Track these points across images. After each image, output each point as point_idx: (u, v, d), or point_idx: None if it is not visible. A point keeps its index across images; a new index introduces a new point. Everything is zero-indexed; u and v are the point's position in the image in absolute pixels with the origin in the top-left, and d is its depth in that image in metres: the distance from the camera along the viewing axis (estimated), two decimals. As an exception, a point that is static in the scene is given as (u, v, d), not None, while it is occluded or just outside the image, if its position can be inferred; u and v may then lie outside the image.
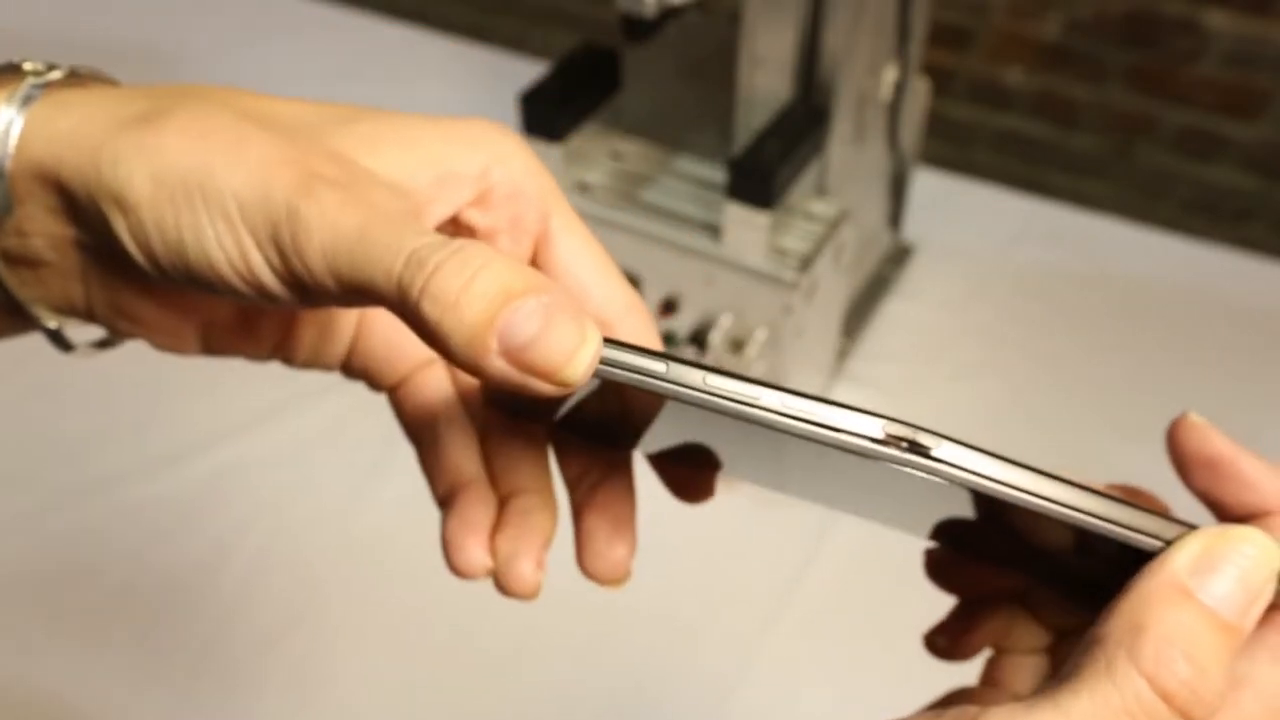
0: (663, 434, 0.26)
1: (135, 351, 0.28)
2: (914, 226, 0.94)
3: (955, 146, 1.42)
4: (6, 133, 0.23)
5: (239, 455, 0.77)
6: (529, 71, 0.86)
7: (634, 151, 0.78)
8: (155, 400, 0.79)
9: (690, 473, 0.29)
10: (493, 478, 0.28)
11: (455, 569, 0.27)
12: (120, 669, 0.66)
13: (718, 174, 0.75)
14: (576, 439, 0.29)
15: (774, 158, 0.66)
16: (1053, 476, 0.21)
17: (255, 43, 1.13)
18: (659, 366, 0.21)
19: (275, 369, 0.29)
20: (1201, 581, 0.20)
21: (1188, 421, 0.25)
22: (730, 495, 0.31)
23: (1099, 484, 0.24)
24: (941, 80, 1.16)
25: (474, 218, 0.26)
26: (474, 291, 0.20)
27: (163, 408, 0.79)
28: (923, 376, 0.84)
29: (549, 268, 0.27)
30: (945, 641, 0.31)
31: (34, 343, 0.27)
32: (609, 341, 0.21)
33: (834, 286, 0.76)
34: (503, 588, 0.27)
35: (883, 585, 0.61)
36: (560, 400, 0.25)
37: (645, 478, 0.29)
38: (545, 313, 0.20)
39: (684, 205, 0.74)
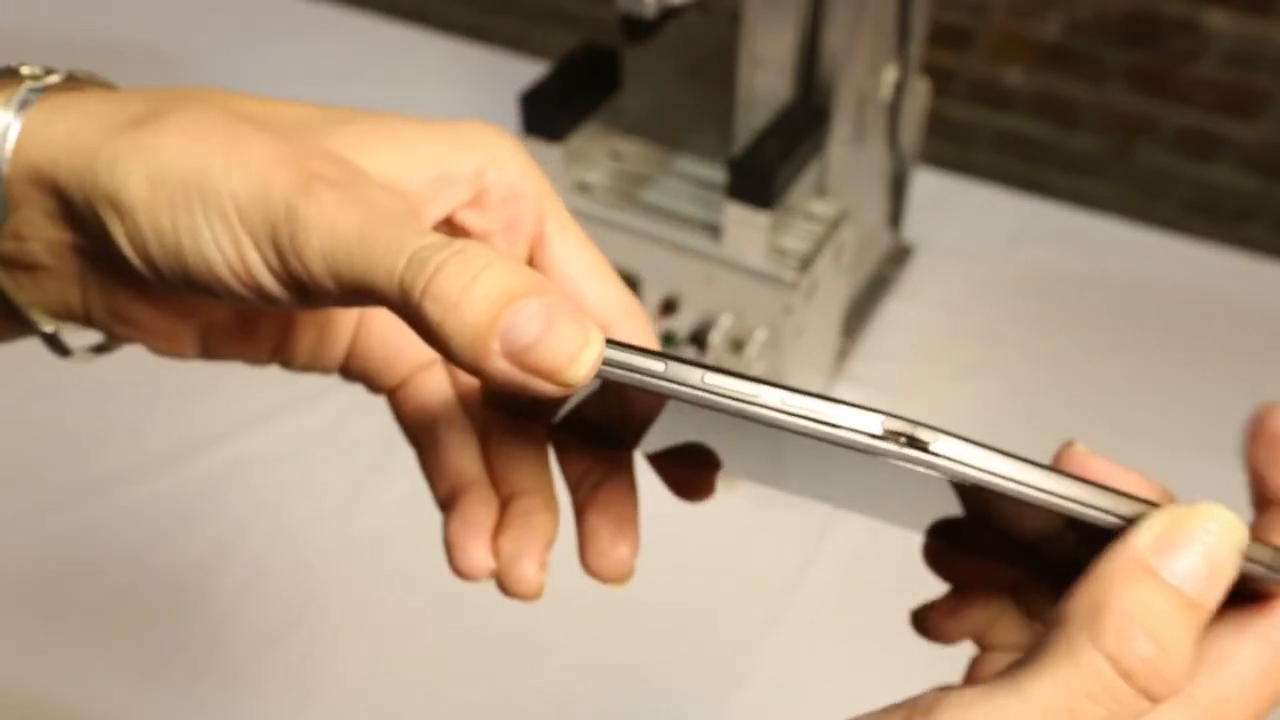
0: (663, 434, 0.26)
1: (135, 352, 0.28)
2: (914, 226, 0.94)
3: (955, 146, 1.42)
4: (3, 137, 0.23)
5: (239, 455, 0.77)
6: (529, 71, 0.86)
7: (634, 151, 0.78)
8: (155, 400, 0.79)
9: (690, 472, 0.29)
10: (494, 479, 0.28)
11: (458, 571, 0.27)
12: (120, 669, 0.66)
13: (718, 174, 0.75)
14: (577, 440, 0.29)
15: (774, 158, 0.66)
16: (1051, 469, 0.21)
17: (255, 43, 1.13)
18: (658, 366, 0.21)
19: (275, 369, 0.29)
20: (1164, 559, 0.20)
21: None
22: (730, 495, 0.31)
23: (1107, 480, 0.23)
24: (941, 80, 1.16)
25: (469, 220, 0.26)
26: (476, 292, 0.20)
27: (162, 408, 0.79)
28: (923, 376, 0.84)
29: (545, 271, 0.27)
30: (931, 619, 0.31)
31: (34, 344, 0.27)
32: (609, 342, 0.21)
33: (834, 286, 0.76)
34: (506, 589, 0.27)
35: (883, 585, 0.61)
36: (560, 401, 0.25)
37: (646, 476, 0.29)
38: (547, 314, 0.20)
39: (684, 205, 0.74)
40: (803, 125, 0.70)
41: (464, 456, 0.28)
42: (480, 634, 0.68)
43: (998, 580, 0.30)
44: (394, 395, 0.30)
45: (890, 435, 0.21)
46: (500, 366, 0.20)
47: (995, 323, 0.89)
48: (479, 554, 0.27)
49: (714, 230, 0.71)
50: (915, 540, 0.30)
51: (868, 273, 0.90)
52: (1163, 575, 0.20)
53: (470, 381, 0.29)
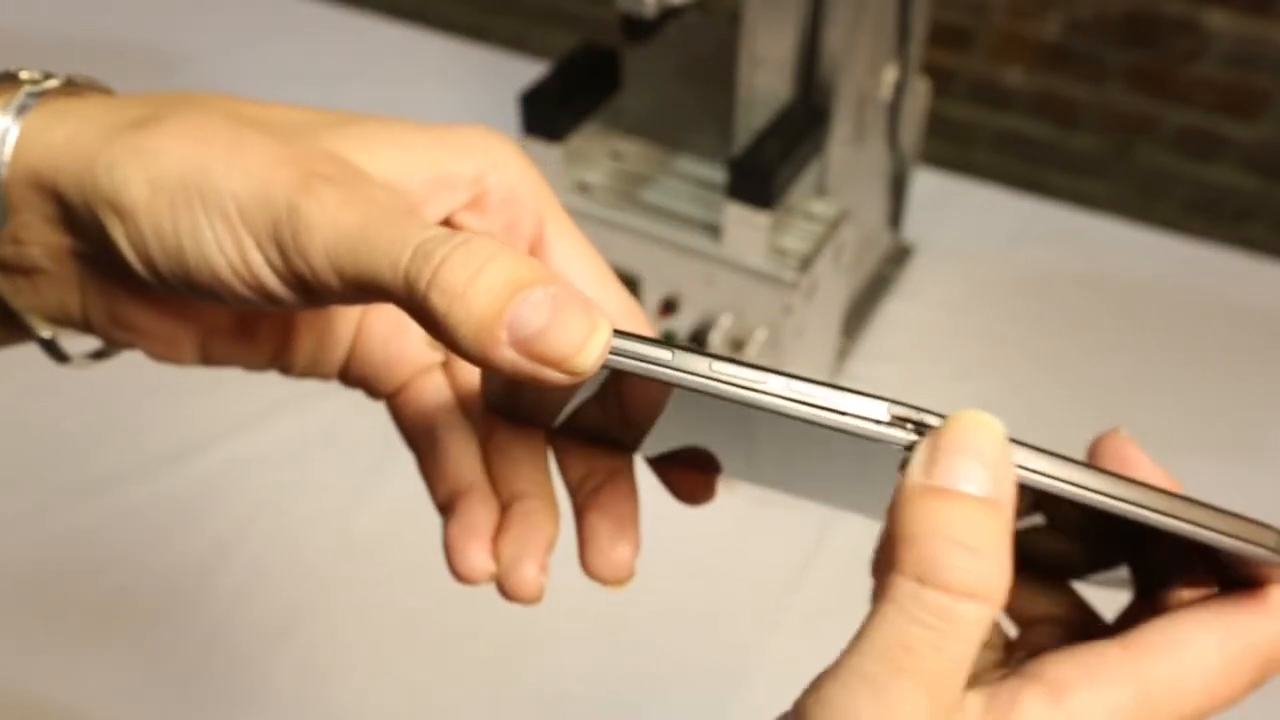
0: (663, 436, 0.26)
1: (134, 353, 0.28)
2: (914, 226, 0.94)
3: (955, 146, 1.42)
4: (2, 141, 0.23)
5: (238, 455, 0.77)
6: (529, 71, 0.86)
7: (634, 151, 0.78)
8: (154, 400, 0.79)
9: (691, 475, 0.29)
10: (493, 482, 0.28)
11: (458, 575, 0.27)
12: (120, 669, 0.66)
13: (718, 174, 0.75)
14: (577, 443, 0.29)
15: (774, 158, 0.66)
16: (1062, 457, 0.21)
17: (255, 43, 1.13)
18: (665, 354, 0.21)
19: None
20: (936, 473, 0.20)
21: None
22: (730, 496, 0.31)
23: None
24: (941, 80, 1.16)
25: (468, 222, 0.26)
26: (482, 283, 0.20)
27: (162, 408, 0.79)
28: (923, 376, 0.84)
29: None
30: None
31: (33, 345, 0.27)
32: (616, 332, 0.21)
33: (834, 286, 0.76)
34: (506, 592, 0.27)
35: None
36: (560, 404, 0.25)
37: (645, 478, 0.29)
38: (554, 303, 0.20)
39: (684, 205, 0.74)
40: (803, 125, 0.70)
41: (464, 460, 0.28)
42: (480, 635, 0.68)
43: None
44: (393, 400, 0.30)
45: (897, 421, 0.20)
46: (508, 356, 0.20)
47: (995, 323, 0.89)
48: (479, 557, 0.27)
49: (714, 230, 0.71)
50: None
51: (868, 273, 0.90)
52: (940, 485, 0.20)
53: (470, 385, 0.29)
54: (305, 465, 0.76)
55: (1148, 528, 0.21)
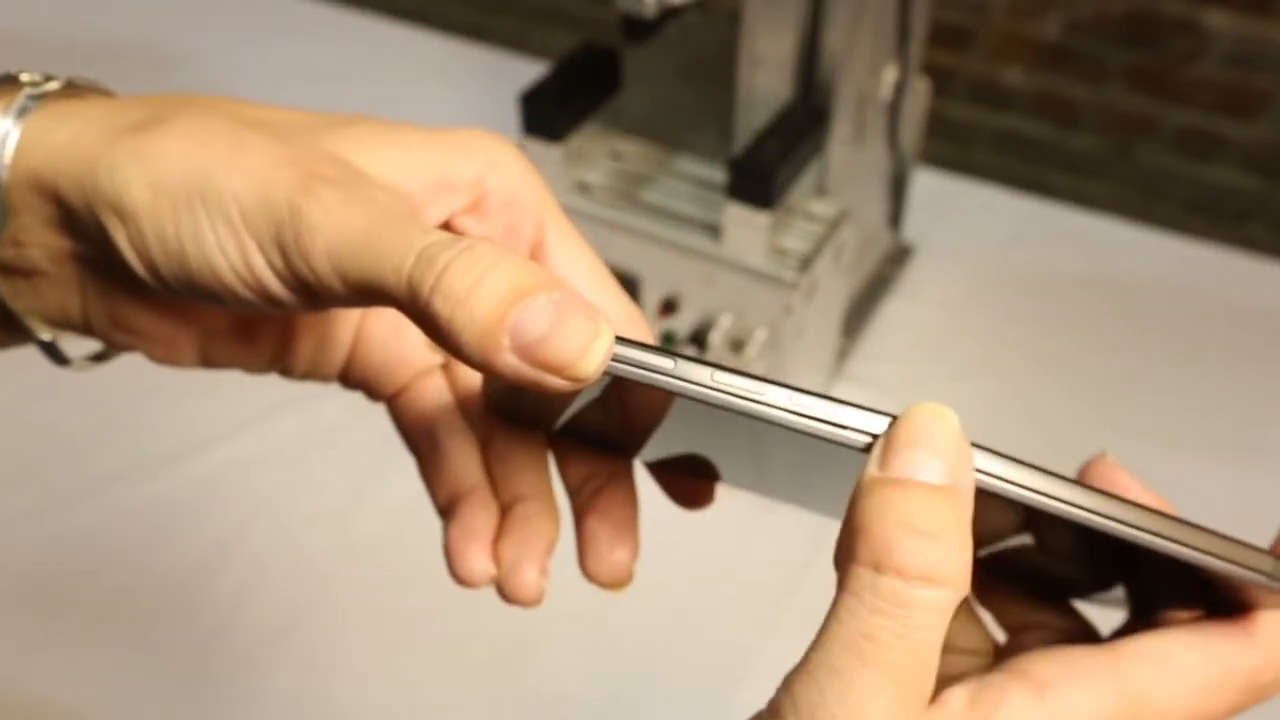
0: (663, 442, 0.26)
1: (134, 354, 0.28)
2: (914, 226, 0.94)
3: (955, 146, 1.42)
4: (2, 143, 0.23)
5: (238, 456, 0.77)
6: (529, 71, 0.86)
7: (634, 151, 0.78)
8: (154, 400, 0.79)
9: (690, 481, 0.29)
10: (494, 485, 0.28)
11: (459, 578, 0.27)
12: (119, 669, 0.66)
13: (718, 174, 0.75)
14: (577, 447, 0.29)
15: (774, 158, 0.66)
16: (1052, 474, 0.21)
17: (255, 43, 1.13)
18: (667, 363, 0.21)
19: (274, 371, 0.29)
20: (891, 466, 0.20)
21: None
22: (730, 497, 0.31)
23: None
24: (941, 80, 1.16)
25: (468, 225, 0.26)
26: (485, 289, 0.20)
27: (161, 408, 0.79)
28: (923, 376, 0.84)
29: None
30: None
31: (32, 347, 0.27)
32: (618, 339, 0.21)
33: (834, 286, 0.76)
34: (506, 595, 0.27)
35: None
36: (561, 407, 0.25)
37: (645, 481, 0.29)
38: (557, 309, 0.20)
39: (684, 205, 0.73)
40: (803, 125, 0.70)
41: (464, 463, 0.28)
42: (480, 636, 0.68)
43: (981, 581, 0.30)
44: (393, 403, 0.30)
45: None
46: (510, 362, 0.20)
47: (995, 323, 0.89)
48: (479, 560, 0.27)
49: (714, 230, 0.71)
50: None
51: (868, 273, 0.89)
52: (894, 475, 0.20)
53: (470, 387, 0.29)
54: (305, 466, 0.76)
55: (1140, 549, 0.21)
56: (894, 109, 0.81)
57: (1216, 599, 0.23)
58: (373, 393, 0.30)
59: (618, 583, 0.28)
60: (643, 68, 0.77)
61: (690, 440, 0.26)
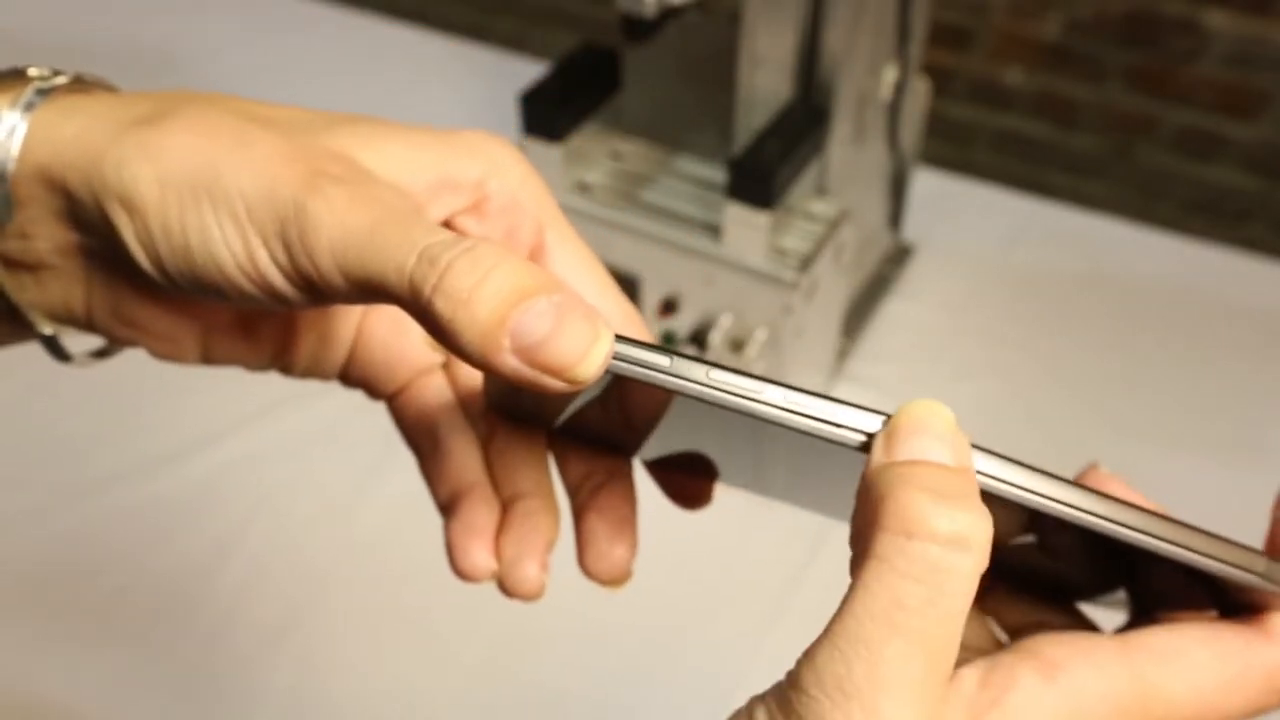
0: (662, 441, 0.26)
1: (134, 352, 0.28)
2: (914, 226, 0.94)
3: (955, 146, 1.42)
4: (10, 136, 0.23)
5: (238, 454, 0.77)
6: (529, 71, 0.86)
7: (634, 151, 0.78)
8: (154, 399, 0.79)
9: (688, 480, 0.29)
10: (494, 482, 0.28)
11: (460, 573, 0.27)
12: (120, 669, 0.66)
13: (718, 174, 0.75)
14: (577, 444, 0.29)
15: (774, 158, 0.67)
16: (1052, 476, 0.21)
17: (255, 43, 1.13)
18: (664, 360, 0.21)
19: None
20: (898, 452, 0.20)
21: None
22: (729, 495, 0.31)
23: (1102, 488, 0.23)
24: (941, 80, 1.16)
25: (468, 226, 0.26)
26: (487, 289, 0.20)
27: (162, 406, 0.79)
28: (923, 376, 0.84)
29: None
30: None
31: (33, 343, 0.27)
32: (618, 338, 0.21)
33: (834, 286, 0.76)
34: (507, 590, 0.27)
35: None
36: (562, 405, 0.25)
37: (644, 480, 0.29)
38: (557, 311, 0.20)
39: (684, 205, 0.74)
40: (803, 125, 0.70)
41: (465, 461, 0.28)
42: (480, 634, 0.68)
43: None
44: (394, 401, 0.30)
45: None
46: (510, 363, 0.20)
47: (995, 323, 0.89)
48: (481, 556, 0.27)
49: (714, 230, 0.71)
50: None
51: (868, 273, 0.90)
52: (906, 457, 0.20)
53: (471, 386, 0.29)
54: (305, 464, 0.76)
55: (1137, 550, 0.21)
56: (894, 109, 0.81)
57: (1230, 602, 0.23)
58: (373, 391, 0.30)
59: (616, 580, 0.28)
60: (643, 68, 0.77)
61: (689, 439, 0.26)
